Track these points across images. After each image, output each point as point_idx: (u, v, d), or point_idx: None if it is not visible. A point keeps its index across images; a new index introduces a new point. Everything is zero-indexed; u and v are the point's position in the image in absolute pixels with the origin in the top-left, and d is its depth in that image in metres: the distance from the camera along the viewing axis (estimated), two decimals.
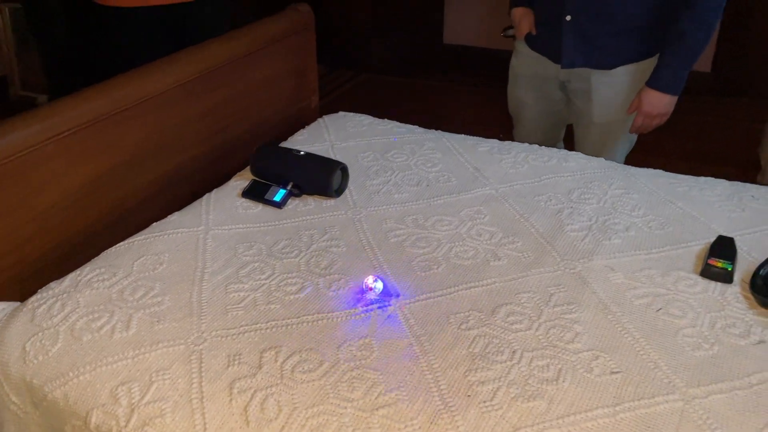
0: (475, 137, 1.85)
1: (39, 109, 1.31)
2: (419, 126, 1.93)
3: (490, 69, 3.95)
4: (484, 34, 3.98)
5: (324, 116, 1.97)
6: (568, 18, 1.71)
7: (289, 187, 1.53)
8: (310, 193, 1.55)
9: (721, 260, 1.20)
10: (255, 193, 1.54)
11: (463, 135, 1.86)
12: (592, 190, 1.53)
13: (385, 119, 1.98)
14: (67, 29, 3.01)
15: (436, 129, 1.90)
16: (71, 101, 1.34)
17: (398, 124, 1.93)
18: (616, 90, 1.76)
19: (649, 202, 1.47)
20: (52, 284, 1.23)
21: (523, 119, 2.03)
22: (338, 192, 1.55)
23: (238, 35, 1.74)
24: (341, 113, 1.99)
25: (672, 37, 1.64)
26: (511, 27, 1.98)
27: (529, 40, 1.87)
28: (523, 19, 1.88)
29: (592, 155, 1.75)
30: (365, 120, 1.94)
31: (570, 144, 1.96)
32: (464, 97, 3.76)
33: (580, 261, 1.28)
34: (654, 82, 1.68)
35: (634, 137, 1.88)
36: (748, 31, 3.28)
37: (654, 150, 2.31)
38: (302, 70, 1.98)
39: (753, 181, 2.39)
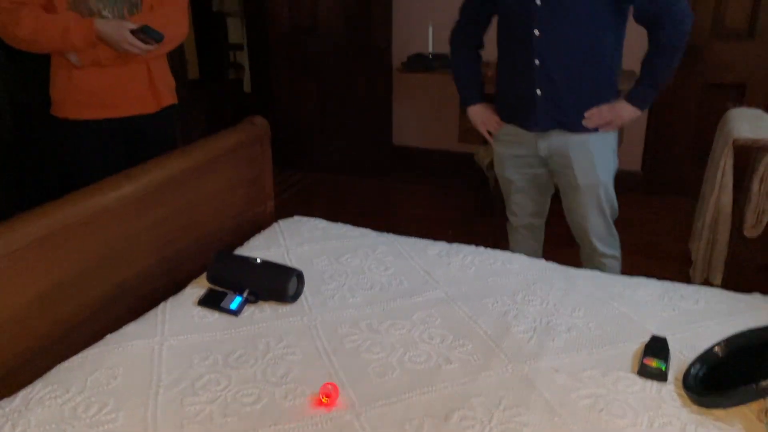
0: (425, 240, 1.94)
1: None
2: (371, 227, 2.01)
3: (438, 169, 4.16)
4: (432, 135, 4.19)
5: (279, 221, 2.04)
6: (539, 92, 1.90)
7: (245, 295, 1.57)
8: (266, 299, 1.58)
9: (655, 360, 1.29)
10: (211, 301, 1.56)
11: (414, 238, 1.95)
12: (535, 291, 1.61)
13: (339, 223, 2.05)
14: (14, 137, 3.00)
15: (388, 229, 1.99)
16: (28, 217, 1.36)
17: (351, 227, 2.01)
18: (593, 151, 1.95)
19: (587, 303, 1.56)
20: (3, 403, 1.21)
21: (514, 195, 2.19)
22: (294, 298, 1.59)
23: (194, 148, 1.82)
24: (296, 218, 2.06)
25: (650, 56, 1.87)
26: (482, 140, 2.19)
27: (502, 112, 2.07)
28: (486, 117, 2.10)
29: (584, 213, 2.00)
30: (319, 224, 2.02)
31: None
32: (414, 196, 3.91)
33: (526, 363, 1.34)
34: (631, 97, 1.91)
35: (615, 166, 2.05)
36: (674, 132, 3.59)
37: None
38: (258, 178, 2.06)
39: (686, 274, 2.55)
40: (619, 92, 1.98)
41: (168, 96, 2.22)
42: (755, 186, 2.26)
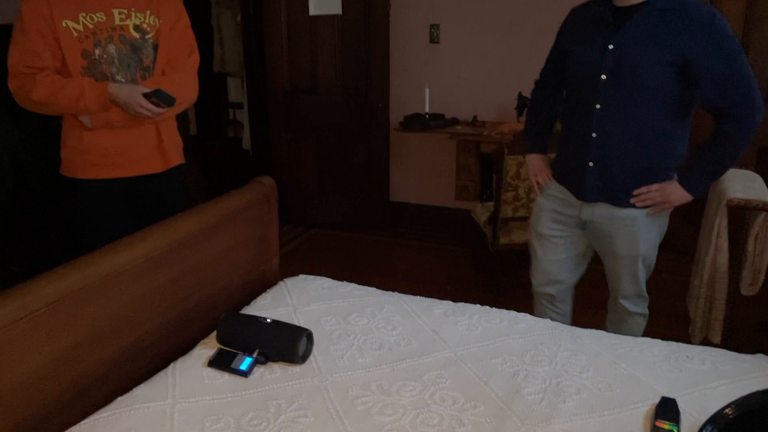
0: (430, 299, 1.96)
1: (12, 288, 1.33)
2: (371, 284, 2.04)
3: (436, 225, 4.22)
4: (429, 192, 4.26)
5: (285, 279, 2.06)
6: (591, 164, 1.93)
7: (255, 355, 1.57)
8: (276, 360, 1.59)
9: (667, 422, 1.30)
10: (221, 362, 1.56)
11: (419, 297, 1.97)
12: (543, 352, 1.63)
13: (345, 281, 2.07)
14: (17, 196, 3.02)
15: (389, 286, 2.01)
16: (43, 280, 1.37)
17: (357, 286, 2.03)
18: (638, 227, 1.95)
19: (595, 364, 1.57)
20: None
21: (541, 253, 2.17)
22: (303, 358, 1.60)
23: (205, 208, 1.84)
24: (302, 276, 2.08)
25: (713, 144, 1.83)
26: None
27: (556, 172, 2.09)
28: (540, 168, 2.14)
29: (618, 277, 2.03)
30: (325, 283, 2.03)
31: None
32: (413, 252, 3.94)
33: (539, 426, 1.34)
34: (685, 181, 1.89)
35: (661, 238, 2.03)
36: None
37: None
38: (265, 237, 2.09)
39: (685, 332, 2.57)
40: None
41: (176, 156, 2.27)
42: (750, 245, 2.31)
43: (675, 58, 1.76)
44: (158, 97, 2.02)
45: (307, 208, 4.30)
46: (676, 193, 1.89)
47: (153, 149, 2.19)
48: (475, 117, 3.85)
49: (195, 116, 5.94)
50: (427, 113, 3.87)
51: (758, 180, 2.49)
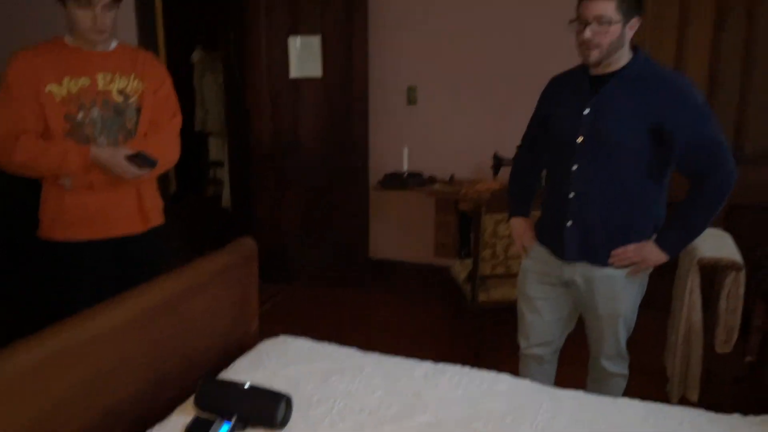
0: (410, 359, 1.95)
1: None
2: (351, 342, 2.03)
3: (415, 282, 4.22)
4: (409, 249, 4.29)
5: (265, 341, 2.04)
6: (570, 224, 1.98)
7: (233, 421, 1.54)
8: (255, 426, 1.56)
9: None
10: (198, 429, 1.53)
11: (399, 357, 1.96)
12: (524, 414, 1.63)
13: (324, 342, 2.06)
14: None
15: (368, 343, 2.00)
16: (23, 346, 1.35)
17: (337, 347, 2.02)
18: (617, 286, 1.98)
19: (576, 426, 1.57)
20: None
21: (528, 315, 2.19)
22: (282, 424, 1.57)
23: (184, 271, 1.84)
24: (281, 338, 2.07)
25: (688, 205, 1.88)
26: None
27: (538, 233, 2.14)
28: (524, 231, 2.19)
29: (598, 337, 2.07)
30: (305, 344, 2.02)
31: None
32: (392, 309, 3.93)
33: None
34: (661, 241, 1.92)
35: (640, 297, 2.07)
36: None
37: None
38: (244, 298, 2.08)
39: (663, 390, 2.58)
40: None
41: (156, 216, 2.28)
42: (723, 304, 2.36)
43: (648, 123, 1.83)
44: (140, 159, 2.05)
45: (287, 266, 4.29)
46: (653, 253, 1.93)
47: (133, 210, 2.20)
48: (452, 176, 3.93)
49: (175, 174, 5.97)
50: (405, 172, 3.94)
51: (728, 239, 2.57)
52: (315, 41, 3.97)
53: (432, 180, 3.94)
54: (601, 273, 1.99)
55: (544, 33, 3.57)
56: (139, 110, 2.16)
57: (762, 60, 3.30)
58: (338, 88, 4.04)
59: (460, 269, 3.39)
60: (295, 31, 3.96)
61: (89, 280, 2.13)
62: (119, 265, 2.19)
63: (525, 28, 3.72)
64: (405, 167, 3.94)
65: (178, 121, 2.27)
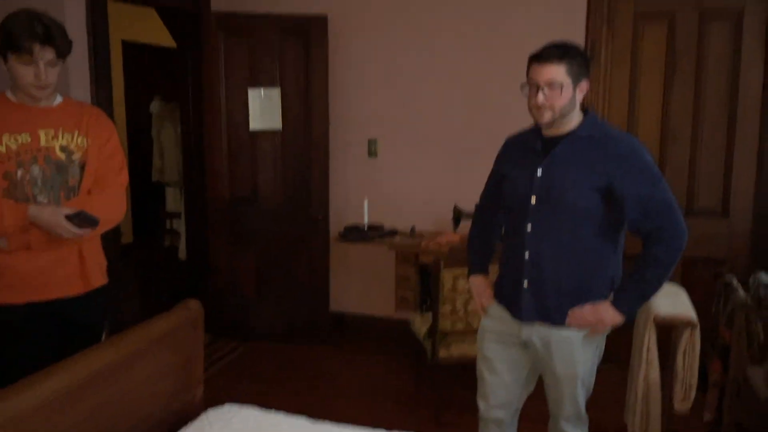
0: (363, 428, 1.87)
1: None
2: (307, 401, 1.94)
3: (375, 336, 4.14)
4: (369, 303, 4.22)
5: (209, 410, 1.94)
6: (526, 284, 1.96)
7: None
8: None
9: None
10: None
11: (351, 427, 1.88)
12: None
13: (273, 410, 1.97)
14: None
15: (326, 402, 1.92)
16: None
17: (285, 416, 1.93)
18: (574, 348, 1.95)
19: None
20: None
21: (488, 377, 2.14)
22: None
23: (124, 337, 1.75)
24: (227, 407, 1.97)
25: (641, 266, 1.87)
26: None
27: (496, 292, 2.12)
28: (482, 290, 2.16)
29: (557, 398, 2.04)
30: (251, 414, 1.93)
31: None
32: (351, 365, 3.83)
33: None
34: (616, 302, 1.90)
35: (598, 360, 2.05)
36: None
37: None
38: (188, 364, 1.98)
39: None
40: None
41: (98, 277, 2.18)
42: (679, 361, 2.35)
43: (599, 183, 1.85)
44: (81, 219, 1.97)
45: (244, 320, 4.17)
46: (608, 313, 1.91)
47: (74, 271, 2.10)
48: (413, 228, 3.91)
49: (132, 225, 5.83)
50: (366, 224, 3.91)
51: (683, 294, 2.57)
52: (275, 93, 3.96)
53: (393, 232, 3.92)
54: (558, 334, 1.96)
55: (501, 89, 3.63)
56: (83, 167, 2.09)
57: (710, 115, 3.40)
58: (298, 140, 4.02)
59: (420, 324, 3.33)
60: (255, 83, 3.95)
61: (26, 344, 2.01)
62: (58, 328, 2.08)
63: (484, 84, 3.78)
64: (365, 219, 3.92)
65: (124, 177, 2.20)
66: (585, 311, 1.93)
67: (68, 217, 1.96)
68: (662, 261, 1.86)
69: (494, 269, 2.22)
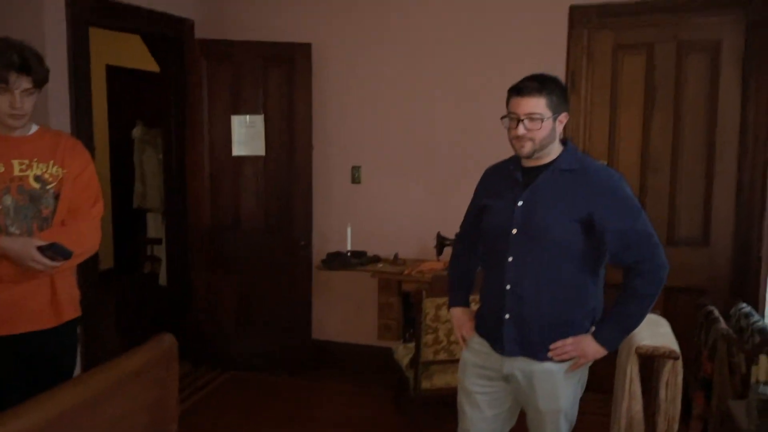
0: None
1: None
2: None
3: (358, 364, 4.09)
4: (352, 331, 4.17)
5: None
6: (507, 317, 1.93)
7: None
8: None
9: None
10: None
11: None
12: None
13: None
14: None
15: None
16: None
17: None
18: (557, 381, 1.92)
19: None
20: None
21: (469, 410, 2.09)
22: None
23: (92, 375, 1.69)
24: None
25: (623, 299, 1.86)
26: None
27: (478, 325, 2.08)
28: (463, 322, 2.13)
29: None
30: None
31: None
32: (333, 394, 3.78)
33: None
34: (598, 335, 1.88)
35: (581, 392, 2.02)
36: None
37: None
38: (161, 401, 1.92)
39: None
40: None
41: (70, 310, 2.14)
42: (662, 393, 2.33)
43: (579, 215, 1.85)
44: (54, 251, 1.93)
45: (224, 349, 4.10)
46: (590, 347, 1.90)
47: (46, 304, 2.06)
48: (396, 255, 3.88)
49: (113, 251, 5.75)
50: (349, 251, 3.88)
51: (665, 325, 2.56)
52: (258, 120, 3.95)
53: (376, 259, 3.89)
54: (540, 368, 1.94)
55: (484, 117, 3.64)
56: (57, 197, 2.05)
57: (689, 145, 3.43)
58: (281, 166, 4.00)
59: (403, 354, 3.30)
60: (238, 110, 3.94)
61: None
62: (27, 364, 2.02)
63: (466, 113, 3.79)
64: (348, 246, 3.89)
65: (99, 208, 2.16)
66: (567, 345, 1.91)
67: (41, 249, 1.92)
68: (643, 294, 1.86)
69: (476, 299, 2.19)
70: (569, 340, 1.91)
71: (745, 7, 3.21)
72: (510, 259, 1.93)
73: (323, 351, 4.20)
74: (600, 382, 3.23)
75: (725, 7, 3.27)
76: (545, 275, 1.91)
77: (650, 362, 2.43)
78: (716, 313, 2.57)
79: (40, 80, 1.97)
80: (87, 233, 2.09)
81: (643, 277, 1.85)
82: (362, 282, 4.03)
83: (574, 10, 3.49)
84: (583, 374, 2.01)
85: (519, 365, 1.97)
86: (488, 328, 2.04)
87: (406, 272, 3.65)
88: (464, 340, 2.15)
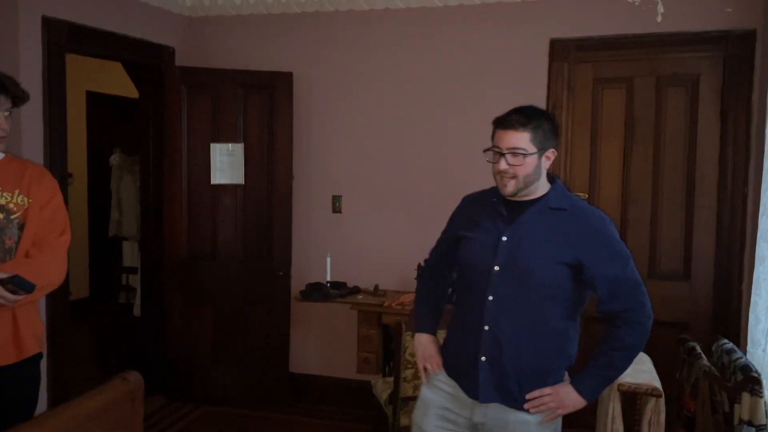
0: None
1: None
2: None
3: (336, 398, 3.99)
4: (330, 364, 4.08)
5: None
6: (483, 359, 1.80)
7: None
8: None
9: None
10: None
11: None
12: None
13: None
14: None
15: None
16: None
17: None
18: (530, 430, 1.81)
19: None
20: None
21: None
22: None
23: (55, 414, 1.62)
24: None
25: (606, 348, 1.77)
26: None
27: (446, 363, 1.93)
28: (429, 353, 1.96)
29: None
30: None
31: None
32: (311, 429, 3.67)
33: None
34: (578, 385, 1.78)
35: None
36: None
37: None
38: None
39: None
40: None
41: (33, 345, 2.05)
42: (644, 431, 2.28)
43: (568, 258, 1.77)
44: (15, 284, 1.85)
45: (199, 382, 3.98)
46: (569, 397, 1.80)
47: (7, 339, 1.97)
48: (376, 286, 3.82)
49: (88, 280, 5.62)
50: (328, 281, 3.81)
51: (647, 362, 2.53)
52: (238, 148, 3.91)
53: (356, 290, 3.82)
54: (515, 417, 1.82)
55: (465, 148, 3.64)
56: (22, 227, 1.98)
57: (669, 178, 3.44)
58: (261, 194, 3.95)
59: (382, 389, 3.21)
60: (218, 138, 3.90)
61: None
62: None
63: (447, 143, 3.78)
64: (328, 277, 3.82)
65: (66, 239, 2.09)
66: (546, 396, 1.80)
67: (1, 282, 1.84)
68: (629, 345, 1.78)
69: (441, 334, 2.06)
70: (547, 390, 1.80)
71: (723, 43, 3.26)
72: (490, 297, 1.81)
73: (301, 385, 4.09)
74: (582, 418, 3.18)
75: (703, 42, 3.30)
76: (528, 318, 1.80)
77: (632, 399, 2.38)
78: (698, 349, 2.54)
79: (18, 98, 1.94)
80: (51, 265, 2.02)
81: (631, 327, 1.76)
82: (342, 313, 3.95)
83: (554, 44, 3.51)
84: (557, 423, 1.90)
85: (492, 413, 1.84)
86: (460, 370, 1.91)
87: (386, 304, 3.58)
88: (428, 373, 2.00)
